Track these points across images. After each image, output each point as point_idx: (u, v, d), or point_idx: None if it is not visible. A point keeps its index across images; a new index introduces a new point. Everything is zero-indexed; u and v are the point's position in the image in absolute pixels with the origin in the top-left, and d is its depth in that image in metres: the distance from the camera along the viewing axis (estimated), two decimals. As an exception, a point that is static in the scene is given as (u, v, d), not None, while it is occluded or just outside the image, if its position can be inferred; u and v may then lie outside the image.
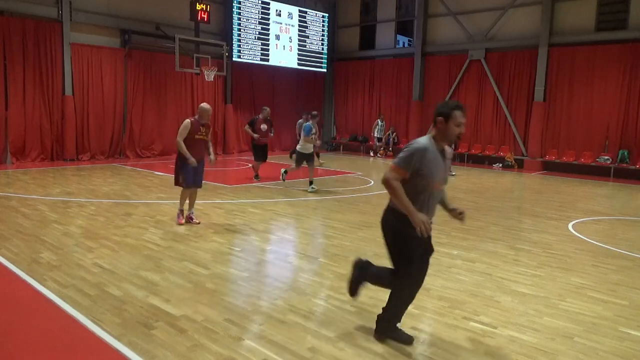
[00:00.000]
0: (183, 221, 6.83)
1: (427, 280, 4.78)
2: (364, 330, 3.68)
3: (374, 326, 3.64)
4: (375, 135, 19.73)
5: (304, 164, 10.08)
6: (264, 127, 11.24)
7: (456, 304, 4.25)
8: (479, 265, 5.41)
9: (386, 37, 21.33)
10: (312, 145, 10.10)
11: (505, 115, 17.68)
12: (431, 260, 5.44)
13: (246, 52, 18.21)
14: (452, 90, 18.96)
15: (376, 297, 4.31)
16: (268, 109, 11.58)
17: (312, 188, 9.97)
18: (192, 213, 6.96)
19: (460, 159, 18.87)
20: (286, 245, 6.31)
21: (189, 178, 6.59)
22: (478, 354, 3.37)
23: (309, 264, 5.34)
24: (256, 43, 18.49)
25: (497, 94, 17.86)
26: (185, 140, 6.48)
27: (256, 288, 4.60)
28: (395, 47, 21.34)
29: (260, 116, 11.37)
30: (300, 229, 7.17)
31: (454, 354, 3.37)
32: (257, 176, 11.36)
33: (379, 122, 19.62)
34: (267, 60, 18.93)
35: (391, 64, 20.91)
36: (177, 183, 6.72)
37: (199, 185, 6.90)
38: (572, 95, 16.31)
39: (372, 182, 11.83)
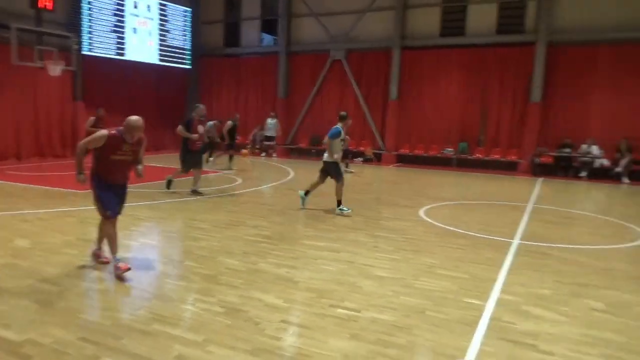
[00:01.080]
0: (108, 260, 5.05)
1: (295, 273, 4.94)
2: (234, 328, 3.65)
3: (243, 324, 3.63)
4: (266, 134, 18.98)
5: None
6: (200, 128, 9.49)
7: (323, 293, 4.42)
8: (343, 255, 5.70)
9: (251, 34, 21.31)
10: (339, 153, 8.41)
11: (364, 112, 18.79)
12: (299, 253, 5.68)
13: (99, 46, 16.74)
14: (316, 88, 19.64)
15: (245, 295, 4.30)
16: (202, 106, 9.89)
17: (341, 210, 8.15)
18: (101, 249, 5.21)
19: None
20: (149, 251, 5.97)
21: (111, 205, 4.84)
22: (343, 338, 3.55)
23: (174, 269, 5.13)
24: (111, 36, 17.10)
25: (357, 92, 18.94)
26: (100, 158, 4.75)
27: (115, 300, 4.28)
28: (261, 45, 21.43)
29: (194, 115, 9.56)
30: (164, 232, 6.85)
31: (322, 341, 3.50)
32: (170, 183, 9.65)
33: (270, 120, 19.02)
34: (123, 54, 17.64)
35: (257, 62, 20.95)
36: (100, 213, 4.91)
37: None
38: (421, 94, 17.97)
39: (240, 181, 11.76)
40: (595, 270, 5.45)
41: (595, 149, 15.18)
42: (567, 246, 6.48)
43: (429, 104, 17.83)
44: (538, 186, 12.93)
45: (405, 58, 18.04)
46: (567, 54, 15.80)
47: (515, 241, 6.63)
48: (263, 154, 18.86)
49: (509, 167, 16.54)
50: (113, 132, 4.76)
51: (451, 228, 7.33)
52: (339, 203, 8.19)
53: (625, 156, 14.69)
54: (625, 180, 14.50)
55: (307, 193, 8.54)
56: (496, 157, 16.92)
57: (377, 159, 18.26)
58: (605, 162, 15.15)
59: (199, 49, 21.56)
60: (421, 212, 8.48)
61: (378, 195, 10.78)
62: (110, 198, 4.85)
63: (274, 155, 19.12)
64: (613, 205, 10.73)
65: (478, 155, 17.15)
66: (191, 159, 9.48)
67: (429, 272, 5.17)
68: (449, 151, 17.49)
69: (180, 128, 9.35)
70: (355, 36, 18.90)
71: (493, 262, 5.60)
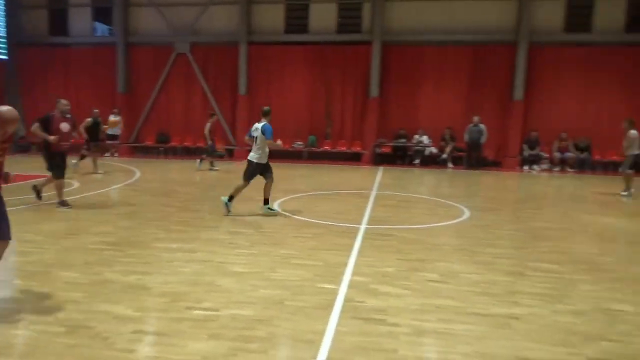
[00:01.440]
0: None
1: (147, 280, 4.65)
2: (79, 347, 3.30)
3: (89, 342, 3.31)
4: (108, 132, 16.68)
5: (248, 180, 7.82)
6: (64, 126, 8.11)
7: (178, 297, 4.24)
8: (199, 255, 5.53)
9: (82, 23, 19.34)
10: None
11: (213, 108, 18.41)
12: (150, 258, 5.36)
13: None
14: (160, 82, 18.65)
15: (90, 309, 3.92)
16: (65, 101, 8.36)
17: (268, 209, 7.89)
18: None
19: (174, 152, 18.85)
20: (-35, 271, 5.08)
21: None
22: (202, 339, 3.46)
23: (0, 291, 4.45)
24: None
25: (205, 87, 18.46)
26: None
27: None
28: (94, 35, 19.57)
29: (56, 112, 8.10)
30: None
31: (180, 345, 3.36)
32: (38, 193, 8.43)
33: (112, 117, 17.07)
34: None
35: (90, 53, 19.14)
36: None
37: None
38: (269, 89, 18.23)
39: (77, 185, 10.64)
40: (430, 246, 6.14)
41: (425, 139, 17.08)
42: (406, 227, 7.18)
43: (277, 99, 18.17)
44: (379, 174, 14.08)
45: (252, 53, 18.11)
46: (399, 53, 17.45)
47: (362, 226, 7.14)
48: (107, 154, 17.27)
49: (353, 158, 17.73)
50: None
51: (305, 219, 7.60)
52: (267, 202, 7.89)
53: (449, 144, 16.80)
54: (450, 165, 16.60)
55: (231, 199, 7.83)
56: (342, 149, 17.99)
57: (229, 154, 18.07)
58: (434, 150, 17.14)
59: (17, 37, 18.89)
60: (276, 206, 8.62)
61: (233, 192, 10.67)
62: None
63: (116, 154, 17.67)
64: (441, 188, 12.17)
65: (326, 148, 18.04)
66: (58, 161, 8.05)
67: (285, 263, 5.29)
68: (299, 145, 18.08)
69: (35, 127, 7.82)
70: (199, 29, 18.38)
71: (344, 247, 5.95)
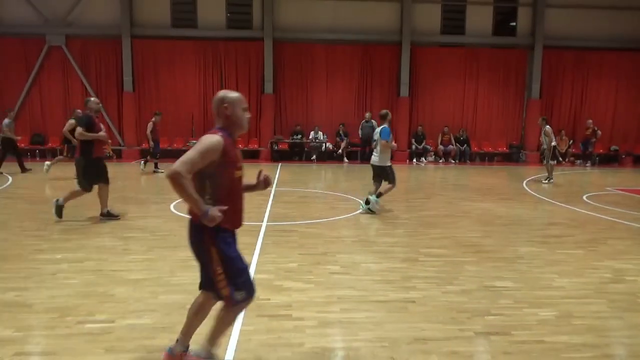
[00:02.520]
0: None
1: (28, 295, 4.20)
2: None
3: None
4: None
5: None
6: (103, 128, 7.22)
7: (67, 311, 3.89)
8: (88, 264, 5.11)
9: None
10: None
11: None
12: (30, 271, 4.84)
13: None
14: (32, 77, 16.89)
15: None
16: (93, 98, 7.38)
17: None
18: None
19: (53, 154, 17.21)
20: None
21: None
22: (97, 354, 3.21)
23: None
24: None
25: (85, 83, 17.10)
26: None
27: None
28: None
29: (88, 111, 7.17)
30: None
31: (71, 364, 3.08)
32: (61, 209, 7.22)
33: None
34: None
35: (-58, 44, 16.71)
36: None
37: None
38: (159, 86, 17.37)
39: None
40: (331, 240, 6.30)
41: (321, 135, 17.46)
42: (307, 222, 7.29)
43: (168, 97, 17.40)
44: (278, 171, 14.12)
45: (137, 48, 17.11)
46: (291, 51, 17.60)
47: (264, 224, 7.12)
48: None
49: (252, 156, 17.58)
50: None
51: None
52: (379, 195, 8.16)
53: (343, 140, 17.35)
54: (346, 160, 17.17)
55: (379, 195, 8.16)
56: (240, 146, 17.70)
57: (118, 155, 16.94)
58: (330, 145, 17.59)
59: None
60: (172, 207, 8.27)
61: (123, 194, 10.02)
62: None
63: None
64: (338, 183, 12.54)
65: (222, 146, 17.65)
66: (95, 170, 7.12)
67: (185, 266, 5.09)
68: (194, 143, 17.42)
69: (80, 130, 6.85)
70: (75, 20, 16.93)
71: (246, 246, 5.86)
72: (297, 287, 4.52)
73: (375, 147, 8.33)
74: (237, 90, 14.17)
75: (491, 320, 3.86)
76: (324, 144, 17.46)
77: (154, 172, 13.41)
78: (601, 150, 18.39)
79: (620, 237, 6.68)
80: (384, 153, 8.13)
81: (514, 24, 18.39)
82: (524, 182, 12.40)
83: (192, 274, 4.84)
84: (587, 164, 17.34)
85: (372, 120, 16.96)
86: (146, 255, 5.47)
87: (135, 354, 3.23)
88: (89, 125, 6.94)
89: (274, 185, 11.14)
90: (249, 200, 9.41)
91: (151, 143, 13.33)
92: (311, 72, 17.75)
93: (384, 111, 8.61)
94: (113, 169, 13.91)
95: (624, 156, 18.54)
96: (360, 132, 17.10)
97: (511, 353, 3.33)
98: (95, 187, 7.23)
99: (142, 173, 13.25)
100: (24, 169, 12.62)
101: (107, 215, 7.32)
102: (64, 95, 17.15)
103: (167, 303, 4.08)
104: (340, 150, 17.26)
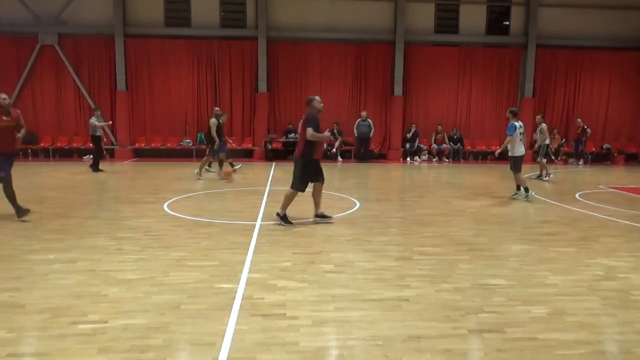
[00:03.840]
0: None
1: (21, 296, 4.17)
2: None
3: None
4: None
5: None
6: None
7: (60, 312, 3.86)
8: (81, 264, 5.08)
9: None
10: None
11: (89, 104, 17.02)
12: (23, 272, 4.81)
13: None
14: (24, 76, 16.78)
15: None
16: (318, 97, 7.46)
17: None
18: None
19: (45, 154, 17.15)
20: None
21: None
22: (91, 355, 3.19)
23: None
24: None
25: (78, 82, 17.00)
26: None
27: None
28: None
29: (312, 110, 7.26)
30: None
31: (64, 365, 3.07)
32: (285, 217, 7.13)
33: None
34: None
35: None
36: None
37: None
38: (152, 85, 17.30)
39: None
40: (325, 238, 6.30)
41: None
42: (301, 220, 7.28)
43: (161, 96, 17.35)
44: (272, 170, 14.10)
45: (130, 47, 17.03)
46: (286, 50, 17.58)
47: (258, 223, 7.11)
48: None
49: (246, 155, 17.55)
50: None
51: (198, 219, 7.36)
52: (527, 189, 9.46)
53: (338, 139, 17.35)
54: (340, 159, 17.17)
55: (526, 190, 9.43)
56: (233, 145, 17.68)
57: (110, 154, 16.87)
58: (324, 144, 17.57)
59: None
60: (165, 207, 8.24)
61: (116, 194, 9.98)
62: None
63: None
64: (332, 181, 12.51)
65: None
66: (314, 170, 7.11)
67: (179, 265, 5.08)
68: (187, 142, 17.45)
69: (311, 132, 6.79)
70: (68, 19, 16.82)
71: (240, 245, 5.87)
72: (292, 286, 4.52)
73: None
74: (230, 89, 14.33)
75: (484, 318, 3.87)
76: (318, 143, 17.44)
77: (207, 170, 12.96)
78: (593, 149, 18.51)
79: (612, 235, 6.73)
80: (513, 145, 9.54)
81: (507, 23, 18.46)
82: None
83: (186, 273, 4.83)
84: (580, 162, 17.45)
85: (369, 120, 17.02)
86: (139, 255, 5.45)
87: (129, 354, 3.21)
88: (318, 125, 6.91)
89: (268, 184, 11.13)
90: (243, 199, 9.43)
91: (216, 143, 12.45)
92: (305, 71, 17.73)
93: (513, 109, 9.83)
94: (105, 168, 13.91)
95: (616, 154, 18.67)
96: (355, 130, 17.14)
97: (504, 350, 3.35)
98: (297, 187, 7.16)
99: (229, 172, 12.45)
100: None
101: (323, 217, 7.25)
102: (56, 95, 17.05)
103: (161, 303, 4.07)
104: (334, 149, 17.27)
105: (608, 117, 18.85)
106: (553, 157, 17.13)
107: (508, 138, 9.46)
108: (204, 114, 17.59)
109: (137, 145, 17.32)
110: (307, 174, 7.03)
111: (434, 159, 17.86)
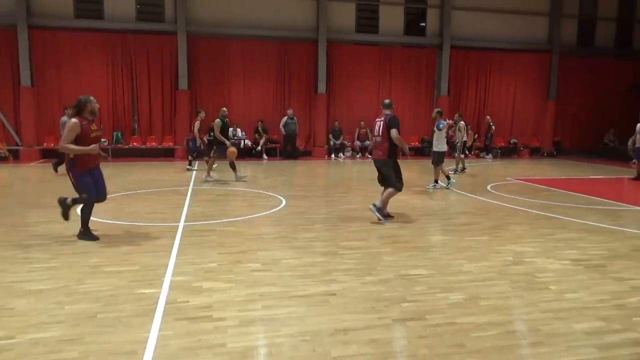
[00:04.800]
0: None
1: None
2: None
3: None
4: None
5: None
6: None
7: (-43, 330, 3.50)
8: (-19, 276, 4.64)
9: None
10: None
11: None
12: None
13: None
14: None
15: None
16: (389, 100, 7.41)
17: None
18: None
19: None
20: None
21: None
22: (-5, 375, 2.93)
23: None
24: None
25: (-26, 77, 15.48)
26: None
27: None
28: None
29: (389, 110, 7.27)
30: None
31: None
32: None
33: None
34: None
35: None
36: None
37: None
38: (61, 81, 16.16)
39: None
40: (251, 237, 6.24)
41: (239, 132, 17.22)
42: (226, 220, 7.15)
43: (72, 92, 16.17)
44: (195, 169, 13.71)
45: (36, 38, 15.78)
46: (207, 46, 17.14)
47: (181, 224, 6.88)
48: None
49: (167, 154, 16.91)
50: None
51: (117, 222, 6.99)
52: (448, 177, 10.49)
53: (262, 136, 17.24)
54: (265, 157, 17.07)
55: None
56: (153, 144, 17.00)
57: (14, 156, 15.55)
58: (248, 142, 17.40)
59: None
60: (78, 211, 7.72)
61: (22, 198, 9.22)
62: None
63: None
64: (258, 180, 12.43)
65: (134, 144, 16.83)
66: (399, 169, 7.29)
67: (95, 272, 4.79)
68: (103, 142, 16.47)
69: (396, 133, 6.90)
70: (-39, 7, 15.26)
71: (162, 248, 5.66)
72: (218, 287, 4.43)
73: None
74: (149, 86, 13.73)
75: (407, 307, 4.03)
76: (242, 141, 17.23)
77: (188, 169, 13.42)
78: (502, 144, 19.88)
79: (519, 223, 7.27)
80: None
81: (424, 24, 19.30)
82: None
83: (103, 280, 4.58)
84: (489, 157, 18.67)
85: (295, 117, 17.05)
86: (50, 263, 5.07)
87: (39, 370, 2.98)
88: (398, 124, 7.02)
89: (191, 184, 10.81)
90: (164, 200, 9.09)
91: (198, 141, 13.10)
92: (228, 68, 17.41)
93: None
94: (9, 171, 12.79)
95: (522, 148, 20.19)
96: (283, 128, 17.11)
97: (426, 336, 3.50)
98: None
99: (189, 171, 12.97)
100: None
101: (387, 217, 7.29)
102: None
103: (75, 313, 3.81)
104: (259, 147, 17.13)
105: (514, 114, 20.34)
106: (467, 152, 18.17)
107: (438, 133, 10.55)
108: (120, 111, 16.74)
109: (44, 145, 16.09)
110: (399, 171, 7.25)
111: (358, 155, 18.28)
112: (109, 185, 10.19)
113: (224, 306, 3.98)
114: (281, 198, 9.07)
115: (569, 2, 20.24)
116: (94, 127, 5.79)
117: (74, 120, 5.60)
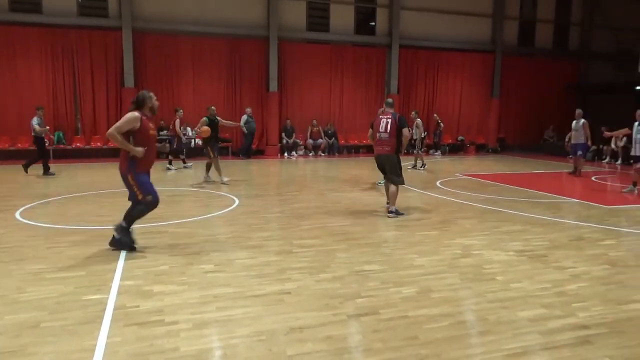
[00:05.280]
0: None
1: None
2: None
3: None
4: None
5: None
6: None
7: None
8: None
9: None
10: None
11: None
12: None
13: None
14: None
15: None
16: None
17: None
18: None
19: None
20: None
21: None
22: None
23: None
24: None
25: None
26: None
27: None
28: None
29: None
30: None
31: None
32: None
33: None
34: None
35: None
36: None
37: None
38: (-3, 78, 15.24)
39: None
40: (204, 238, 6.12)
41: (189, 131, 16.83)
42: (178, 222, 6.98)
43: (8, 89, 15.39)
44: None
45: (-34, 33, 14.80)
46: (154, 42, 16.67)
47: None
48: None
49: (113, 154, 16.31)
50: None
51: (59, 226, 6.67)
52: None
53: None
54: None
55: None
56: (98, 144, 16.35)
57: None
58: (199, 141, 17.06)
59: None
60: (17, 215, 7.32)
61: None
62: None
63: None
64: (210, 179, 12.20)
65: (78, 145, 16.14)
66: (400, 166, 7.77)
67: (37, 279, 4.55)
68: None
69: (408, 131, 7.60)
70: None
71: (110, 252, 5.45)
72: (170, 290, 4.32)
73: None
74: (92, 84, 13.21)
75: (361, 302, 4.08)
76: (193, 140, 16.87)
77: (185, 167, 13.82)
78: (450, 141, 20.51)
79: (467, 217, 7.53)
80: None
81: (374, 23, 19.59)
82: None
83: (46, 287, 4.36)
84: (437, 153, 19.23)
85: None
86: (-13, 271, 4.78)
87: (-24, 385, 2.81)
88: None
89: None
90: (111, 202, 8.77)
91: (184, 139, 13.76)
92: (177, 66, 17.00)
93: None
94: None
95: (468, 145, 20.92)
96: (245, 127, 16.79)
97: (380, 331, 3.56)
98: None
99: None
100: None
101: (397, 213, 7.57)
102: None
103: (16, 324, 3.61)
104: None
105: (461, 112, 21.05)
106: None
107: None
108: (61, 110, 16.00)
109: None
110: (401, 166, 7.62)
111: (310, 154, 18.33)
112: (51, 187, 9.76)
113: (177, 309, 3.89)
114: (234, 198, 8.96)
115: (510, 4, 21.12)
116: (151, 125, 5.54)
117: (135, 113, 5.28)
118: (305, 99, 18.71)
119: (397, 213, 7.53)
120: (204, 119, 11.03)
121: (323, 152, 18.39)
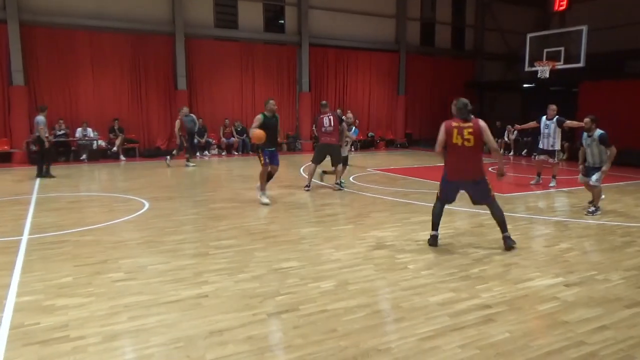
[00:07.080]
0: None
1: None
2: None
3: None
4: None
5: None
6: None
7: None
8: None
9: None
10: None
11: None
12: None
13: None
14: None
15: None
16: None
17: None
18: None
19: None
20: None
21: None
22: None
23: None
24: None
25: None
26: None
27: None
28: None
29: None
30: None
31: None
32: None
33: None
34: None
35: None
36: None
37: None
38: None
39: None
40: (112, 245, 5.76)
41: (90, 132, 15.76)
42: (81, 229, 6.51)
43: None
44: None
45: None
46: (46, 37, 15.34)
47: (24, 237, 6.09)
48: None
49: (2, 159, 14.81)
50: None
51: (-63, 241, 5.92)
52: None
53: (118, 136, 16.01)
54: (122, 158, 15.88)
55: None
56: (-16, 149, 14.75)
57: None
58: (102, 143, 16.03)
59: None
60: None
61: None
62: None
63: None
64: (116, 182, 11.54)
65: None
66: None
67: None
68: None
69: (345, 126, 10.07)
70: None
71: (3, 266, 4.95)
72: (74, 303, 4.01)
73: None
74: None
75: (281, 300, 4.08)
76: (95, 142, 15.81)
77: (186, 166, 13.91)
78: (361, 137, 21.15)
79: (379, 210, 7.82)
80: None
81: (283, 21, 19.61)
82: (301, 168, 13.43)
83: None
84: (351, 149, 19.73)
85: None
86: None
87: None
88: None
89: (35, 191, 9.62)
90: (2, 211, 7.95)
91: (179, 140, 14.16)
92: (73, 62, 15.77)
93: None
94: None
95: (378, 141, 21.72)
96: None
97: (300, 326, 3.59)
98: None
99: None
100: None
101: (341, 186, 9.71)
102: None
103: None
104: (115, 148, 15.89)
105: (371, 109, 21.79)
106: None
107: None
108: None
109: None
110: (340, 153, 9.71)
111: (224, 153, 17.97)
112: None
113: (83, 323, 3.63)
114: (143, 201, 8.53)
115: (411, 6, 22.19)
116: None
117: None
118: (216, 97, 18.27)
119: (341, 186, 9.65)
120: (259, 116, 8.17)
121: (237, 151, 18.10)
